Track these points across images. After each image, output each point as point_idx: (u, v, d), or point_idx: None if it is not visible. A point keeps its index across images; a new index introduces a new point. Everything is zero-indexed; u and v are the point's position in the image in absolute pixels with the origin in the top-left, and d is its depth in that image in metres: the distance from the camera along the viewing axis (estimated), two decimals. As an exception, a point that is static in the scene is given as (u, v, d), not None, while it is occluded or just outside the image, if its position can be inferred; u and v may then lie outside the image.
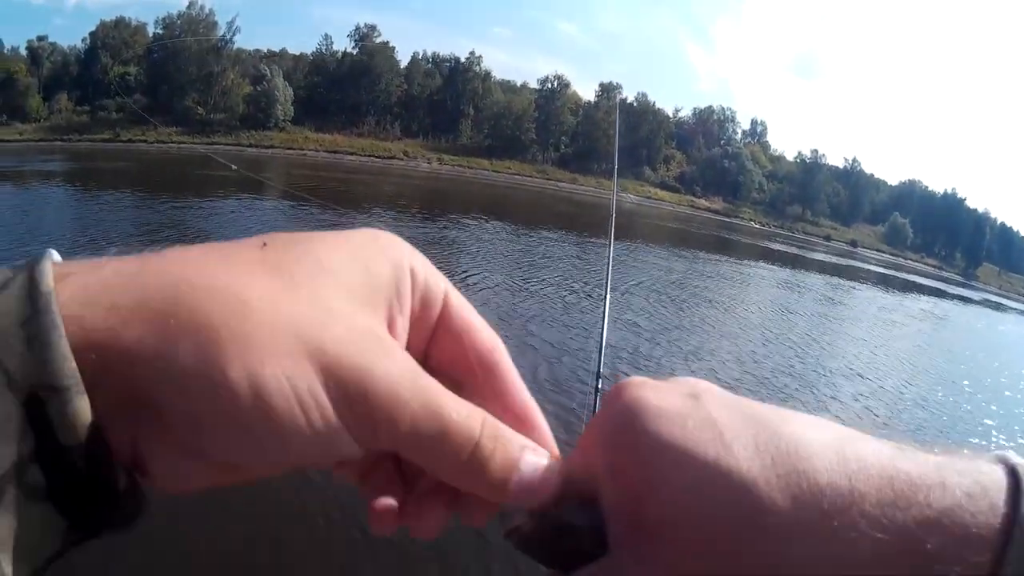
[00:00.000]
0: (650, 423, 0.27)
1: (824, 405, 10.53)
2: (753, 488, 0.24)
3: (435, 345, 0.32)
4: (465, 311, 0.32)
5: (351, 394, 0.25)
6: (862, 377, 12.72)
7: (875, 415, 10.69)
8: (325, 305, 0.25)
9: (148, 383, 0.22)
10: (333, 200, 24.94)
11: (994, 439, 10.88)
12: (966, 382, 15.10)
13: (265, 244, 0.26)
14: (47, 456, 0.20)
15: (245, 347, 0.23)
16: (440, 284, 0.31)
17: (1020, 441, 11.26)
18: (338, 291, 0.26)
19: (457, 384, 0.30)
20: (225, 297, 0.23)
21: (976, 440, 10.53)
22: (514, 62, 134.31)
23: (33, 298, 0.20)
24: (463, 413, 0.27)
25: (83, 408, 0.21)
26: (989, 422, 11.85)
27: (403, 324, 0.29)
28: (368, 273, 0.28)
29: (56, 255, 0.23)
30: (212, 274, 0.24)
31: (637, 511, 0.27)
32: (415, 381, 0.26)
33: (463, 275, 15.45)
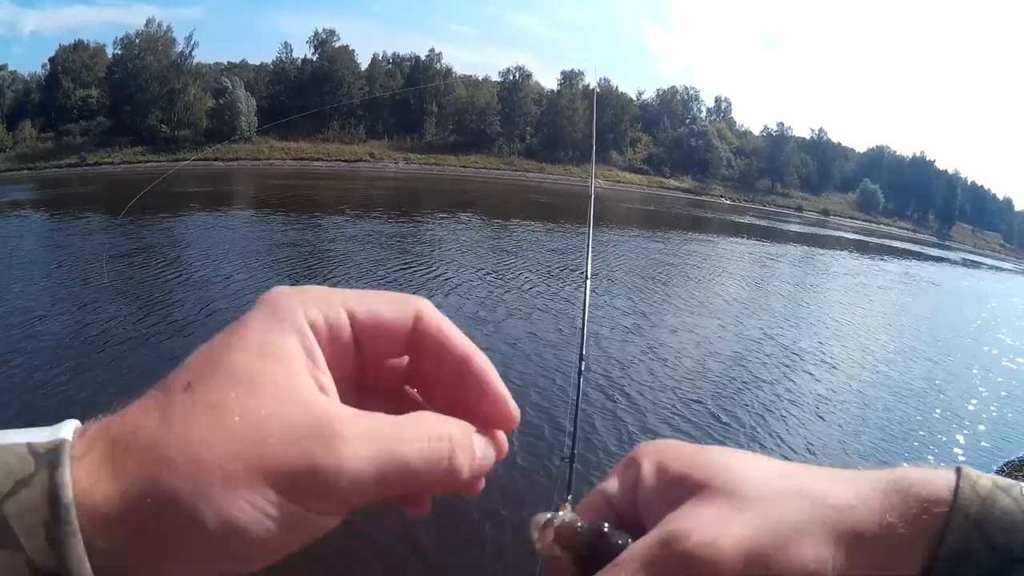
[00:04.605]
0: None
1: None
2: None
3: (419, 365, 0.36)
4: (437, 328, 0.35)
5: (309, 488, 0.27)
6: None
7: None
8: (257, 416, 0.27)
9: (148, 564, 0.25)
10: (303, 208, 25.81)
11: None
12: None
13: (189, 384, 0.28)
14: None
15: (210, 500, 0.25)
16: (340, 312, 0.32)
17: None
18: (262, 396, 0.28)
19: (447, 400, 0.35)
20: (188, 469, 0.25)
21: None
22: (475, 59, 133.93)
23: (54, 503, 0.23)
24: (424, 445, 0.30)
25: None
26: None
27: (326, 379, 0.31)
28: (278, 360, 0.29)
29: (72, 428, 0.26)
30: (177, 444, 0.26)
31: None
32: (365, 446, 0.28)
33: (440, 269, 16.35)
